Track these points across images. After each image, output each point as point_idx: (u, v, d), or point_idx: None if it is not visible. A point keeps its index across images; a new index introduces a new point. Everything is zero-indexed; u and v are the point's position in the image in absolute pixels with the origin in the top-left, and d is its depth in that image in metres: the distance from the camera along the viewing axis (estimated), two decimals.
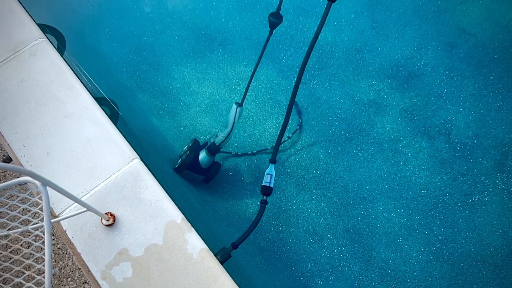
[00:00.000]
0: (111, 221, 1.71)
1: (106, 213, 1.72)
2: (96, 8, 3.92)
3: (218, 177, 3.20)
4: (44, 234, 1.11)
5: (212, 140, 2.93)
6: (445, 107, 3.41)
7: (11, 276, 1.28)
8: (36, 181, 1.09)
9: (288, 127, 2.62)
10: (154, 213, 1.75)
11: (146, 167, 1.87)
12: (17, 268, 1.28)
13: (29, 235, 1.36)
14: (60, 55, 2.20)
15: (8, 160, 1.97)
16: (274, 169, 2.20)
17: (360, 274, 2.97)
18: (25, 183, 1.10)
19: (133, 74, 3.66)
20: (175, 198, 1.98)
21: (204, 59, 3.72)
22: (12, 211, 1.29)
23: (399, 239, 3.04)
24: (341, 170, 3.28)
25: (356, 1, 3.88)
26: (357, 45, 3.71)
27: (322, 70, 3.62)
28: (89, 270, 1.66)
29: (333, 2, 2.03)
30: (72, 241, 1.71)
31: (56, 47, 2.57)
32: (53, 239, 1.76)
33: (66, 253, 1.75)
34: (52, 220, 1.37)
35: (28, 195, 1.29)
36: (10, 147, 1.93)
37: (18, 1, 2.42)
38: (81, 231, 1.72)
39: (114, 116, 2.79)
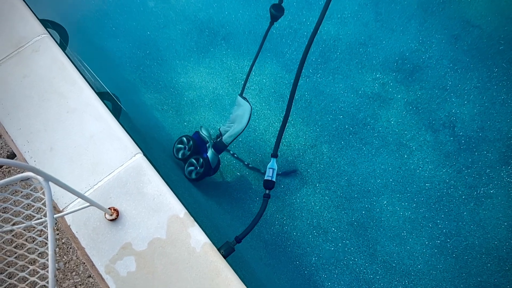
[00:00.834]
0: (115, 215, 1.72)
1: (109, 208, 1.73)
2: (99, 2, 3.92)
3: (222, 171, 3.21)
4: (47, 229, 1.12)
5: (211, 136, 2.91)
6: (449, 100, 3.38)
7: (15, 271, 1.29)
8: (38, 177, 1.10)
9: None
10: (157, 207, 1.76)
11: (148, 162, 1.87)
12: (21, 263, 1.29)
13: (33, 230, 1.37)
14: (63, 50, 2.20)
15: (12, 156, 1.98)
16: (276, 163, 2.20)
17: (365, 268, 2.96)
18: (28, 179, 1.11)
19: (137, 69, 3.66)
20: (178, 193, 1.99)
21: (207, 53, 3.71)
22: (16, 206, 1.30)
23: (404, 233, 3.03)
24: (345, 164, 3.27)
25: None
26: (361, 38, 3.68)
27: (325, 64, 3.60)
28: (93, 264, 1.67)
29: None
30: (76, 235, 1.72)
31: (59, 42, 2.58)
32: (58, 234, 1.78)
33: (70, 248, 1.76)
34: (56, 215, 1.38)
35: (31, 190, 1.30)
36: (14, 143, 1.94)
37: None
38: (85, 226, 1.73)
39: (116, 111, 2.80)
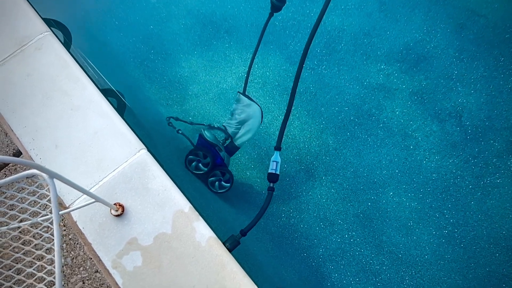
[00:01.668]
0: (120, 211, 1.73)
1: (115, 204, 1.74)
2: None
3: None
4: (53, 225, 1.13)
5: (217, 138, 2.89)
6: (455, 89, 3.36)
7: (23, 267, 1.31)
8: (43, 174, 1.11)
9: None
10: (162, 202, 1.77)
11: (153, 158, 1.88)
12: (29, 259, 1.31)
13: (39, 227, 1.38)
14: (66, 48, 2.21)
15: (18, 154, 2.00)
16: (280, 156, 2.20)
17: (371, 259, 2.97)
18: (33, 176, 1.12)
19: (141, 64, 3.66)
20: (184, 187, 2.00)
21: (210, 47, 3.70)
22: (22, 203, 1.32)
23: (410, 223, 3.03)
24: (351, 156, 3.26)
25: None
26: (366, 29, 3.66)
27: (330, 56, 3.58)
28: (100, 260, 1.69)
29: None
30: (83, 231, 1.74)
31: (63, 41, 2.58)
32: (64, 230, 1.80)
33: (77, 243, 1.78)
34: (61, 212, 1.39)
35: (36, 187, 1.31)
36: (19, 140, 1.96)
37: None
38: (91, 222, 1.75)
39: (121, 107, 2.81)
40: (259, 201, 3.18)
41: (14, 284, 1.44)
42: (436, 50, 3.50)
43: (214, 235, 1.73)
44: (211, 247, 1.71)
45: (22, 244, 1.55)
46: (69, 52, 2.20)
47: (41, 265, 1.30)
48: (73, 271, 1.74)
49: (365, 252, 2.98)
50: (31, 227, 1.46)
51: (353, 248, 3.00)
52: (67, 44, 2.76)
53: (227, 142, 2.84)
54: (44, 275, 1.25)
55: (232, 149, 2.87)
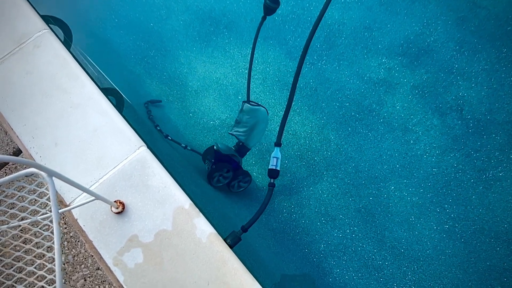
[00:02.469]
0: (121, 208, 1.73)
1: (115, 201, 1.74)
2: None
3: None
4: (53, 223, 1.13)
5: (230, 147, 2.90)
6: (456, 83, 3.34)
7: (24, 265, 1.31)
8: (42, 172, 1.11)
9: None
10: (163, 199, 1.77)
11: (153, 155, 1.88)
12: (29, 257, 1.31)
13: (39, 225, 1.38)
14: (65, 45, 2.20)
15: (18, 152, 2.00)
16: (280, 152, 2.20)
17: (373, 254, 2.96)
18: (32, 174, 1.12)
19: (141, 60, 3.66)
20: (185, 184, 1.99)
21: (210, 43, 3.69)
22: (22, 201, 1.32)
23: (412, 218, 3.02)
24: (352, 151, 3.25)
25: None
26: (366, 22, 3.64)
27: (330, 50, 3.56)
28: (101, 257, 1.70)
29: None
30: (84, 229, 1.74)
31: (63, 38, 2.58)
32: (65, 228, 1.80)
33: (78, 241, 1.78)
34: (61, 210, 1.39)
35: (36, 186, 1.32)
36: (19, 139, 1.96)
37: None
38: (92, 219, 1.75)
39: (120, 104, 2.80)
40: (260, 196, 3.18)
41: (15, 282, 1.44)
42: (437, 43, 3.48)
43: (215, 232, 1.73)
44: (212, 244, 1.71)
45: (23, 243, 1.55)
46: (68, 50, 2.19)
47: (42, 263, 1.30)
48: (75, 268, 1.74)
49: (367, 247, 2.98)
50: (32, 225, 1.46)
51: (355, 243, 2.99)
52: (67, 42, 2.75)
53: (239, 146, 2.84)
54: (44, 273, 1.25)
55: (244, 151, 2.88)
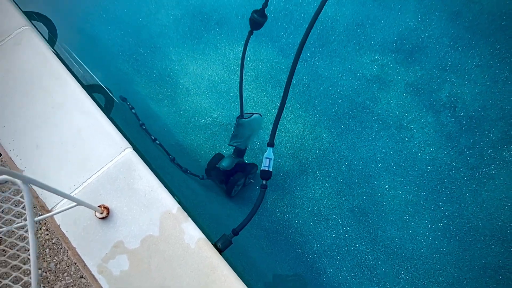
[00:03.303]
0: (105, 213, 1.67)
1: (99, 206, 1.68)
2: None
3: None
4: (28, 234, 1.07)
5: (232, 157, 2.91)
6: (450, 80, 3.31)
7: None
8: (16, 180, 1.05)
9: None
10: (149, 203, 1.71)
11: (139, 157, 1.81)
12: (4, 270, 1.25)
13: (15, 235, 1.32)
14: (48, 42, 2.13)
15: None
16: (273, 153, 2.14)
17: (366, 254, 2.94)
18: (6, 182, 1.06)
19: (130, 57, 3.58)
20: (174, 186, 1.94)
21: (201, 39, 3.62)
22: None
23: (406, 216, 3.00)
24: (345, 149, 3.21)
25: None
26: (359, 19, 3.59)
27: (323, 47, 3.51)
28: (85, 264, 1.63)
29: None
30: (67, 235, 1.68)
31: (47, 35, 2.50)
32: (47, 234, 1.73)
33: (61, 248, 1.72)
34: (38, 218, 1.32)
35: (11, 193, 1.25)
36: None
37: None
38: (75, 225, 1.69)
39: (109, 104, 2.73)
40: (252, 196, 3.14)
41: None
42: (431, 39, 3.44)
43: (204, 237, 1.68)
44: (200, 249, 1.66)
45: None
46: (52, 47, 2.12)
47: (18, 276, 1.24)
48: (57, 277, 1.68)
49: (360, 247, 2.96)
50: (7, 236, 1.40)
51: (348, 243, 2.97)
52: (52, 39, 2.67)
53: (238, 150, 2.83)
54: (20, 287, 1.19)
55: (243, 152, 2.89)
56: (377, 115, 3.28)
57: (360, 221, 3.02)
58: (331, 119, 3.30)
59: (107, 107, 2.22)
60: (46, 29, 2.67)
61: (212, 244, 1.74)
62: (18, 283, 1.19)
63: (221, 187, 3.03)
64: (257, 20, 2.29)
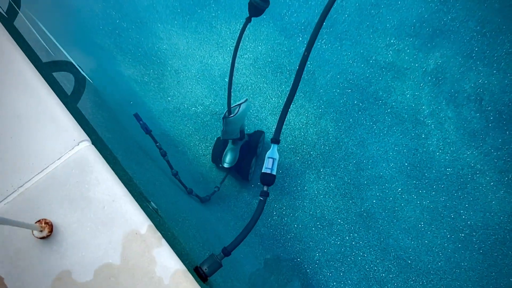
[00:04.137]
0: (47, 231, 1.24)
1: (39, 221, 1.25)
2: None
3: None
4: None
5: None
6: (475, 68, 3.07)
7: None
8: None
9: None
10: (109, 219, 1.28)
11: (99, 153, 1.37)
12: None
13: None
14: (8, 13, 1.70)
15: None
16: (277, 152, 1.67)
17: (376, 265, 2.73)
18: None
19: (112, 32, 3.29)
20: (149, 191, 1.55)
21: (194, 16, 3.29)
22: None
23: (421, 224, 2.78)
24: (353, 145, 2.99)
25: None
26: None
27: (331, 28, 3.19)
28: None
29: None
30: None
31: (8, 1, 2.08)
32: None
33: None
34: None
35: None
36: None
37: None
38: (4, 247, 1.26)
39: (79, 87, 2.30)
40: (248, 198, 2.87)
41: None
42: (455, 22, 3.18)
43: (183, 267, 1.25)
44: (178, 285, 1.24)
45: None
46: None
47: None
48: None
49: (368, 257, 2.75)
50: None
51: (355, 252, 2.77)
52: (13, 6, 2.24)
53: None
54: None
55: (242, 134, 2.69)
56: (391, 107, 3.04)
57: (369, 227, 2.84)
58: (338, 111, 3.06)
59: (77, 89, 1.81)
60: None
61: (194, 270, 1.34)
62: None
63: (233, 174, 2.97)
64: (259, 4, 1.87)
